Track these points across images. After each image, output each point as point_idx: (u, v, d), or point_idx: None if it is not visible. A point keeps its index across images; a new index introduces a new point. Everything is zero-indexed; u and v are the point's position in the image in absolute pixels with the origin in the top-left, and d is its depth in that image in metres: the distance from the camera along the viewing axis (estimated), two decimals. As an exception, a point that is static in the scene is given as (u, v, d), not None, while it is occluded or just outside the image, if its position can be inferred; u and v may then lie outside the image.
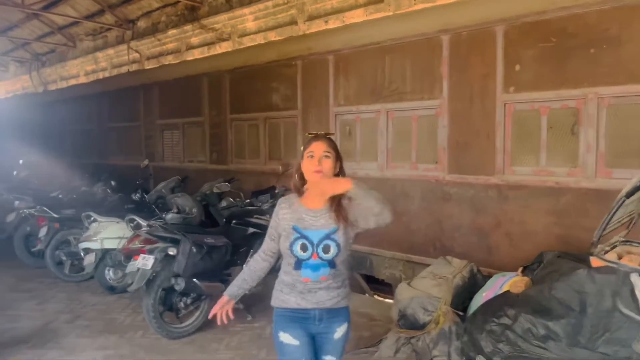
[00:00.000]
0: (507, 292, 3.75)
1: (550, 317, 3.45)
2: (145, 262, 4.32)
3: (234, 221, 5.02)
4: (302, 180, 2.35)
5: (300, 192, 2.38)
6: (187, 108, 8.56)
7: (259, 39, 7.58)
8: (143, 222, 5.14)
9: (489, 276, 4.31)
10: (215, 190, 5.59)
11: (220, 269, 4.56)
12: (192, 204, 4.75)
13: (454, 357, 3.72)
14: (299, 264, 2.29)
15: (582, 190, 4.27)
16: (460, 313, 3.92)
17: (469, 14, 4.88)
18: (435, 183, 5.26)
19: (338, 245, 2.27)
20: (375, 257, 5.96)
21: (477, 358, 3.55)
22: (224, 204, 6.16)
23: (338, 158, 2.33)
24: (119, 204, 7.12)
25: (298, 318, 2.35)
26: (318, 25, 6.76)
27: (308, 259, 2.27)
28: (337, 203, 2.31)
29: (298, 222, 2.31)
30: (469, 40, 4.92)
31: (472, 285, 4.24)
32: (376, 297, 6.61)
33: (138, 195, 7.33)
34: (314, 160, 2.25)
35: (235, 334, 4.65)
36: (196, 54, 8.96)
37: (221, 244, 4.48)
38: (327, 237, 2.27)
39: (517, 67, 4.59)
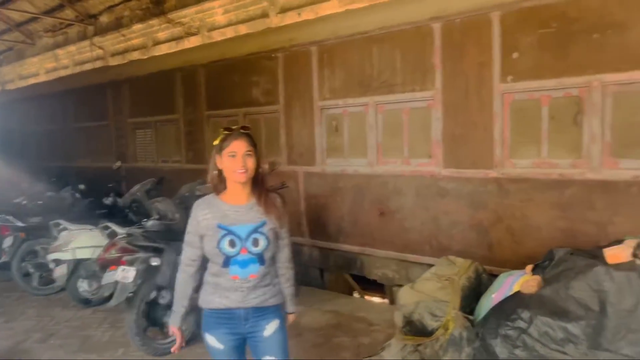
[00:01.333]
0: (519, 292, 3.54)
1: (568, 319, 3.26)
2: (126, 274, 3.94)
3: (219, 225, 4.66)
4: (220, 178, 2.29)
5: (218, 190, 2.30)
6: (160, 105, 8.11)
7: (230, 33, 7.16)
8: (120, 230, 4.75)
9: (495, 276, 4.11)
10: (197, 193, 5.21)
11: (207, 278, 4.21)
12: (174, 208, 4.37)
13: (465, 364, 3.49)
14: (227, 261, 2.22)
15: (588, 182, 4.10)
16: (470, 317, 3.70)
17: (462, 0, 4.64)
18: (430, 178, 5.03)
19: (267, 238, 2.25)
20: (366, 257, 5.71)
21: (491, 365, 3.33)
22: (204, 206, 5.78)
23: (257, 153, 2.28)
24: (89, 209, 6.67)
25: (224, 319, 2.30)
26: (291, 18, 6.38)
27: (237, 254, 2.21)
28: (265, 196, 2.29)
29: (222, 219, 2.23)
30: (462, 28, 4.69)
31: (477, 286, 4.03)
32: (367, 298, 6.38)
33: (110, 199, 6.89)
34: (237, 160, 2.20)
35: (226, 346, 4.32)
36: (164, 49, 8.47)
37: (208, 251, 4.12)
38: (255, 230, 2.24)
39: (515, 55, 4.38)
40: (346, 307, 5.25)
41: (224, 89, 7.00)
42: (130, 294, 3.97)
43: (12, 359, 4.18)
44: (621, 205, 3.96)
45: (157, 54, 8.47)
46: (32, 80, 12.02)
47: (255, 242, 2.23)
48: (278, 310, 2.40)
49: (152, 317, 4.12)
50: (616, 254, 3.37)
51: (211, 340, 2.33)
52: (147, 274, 4.00)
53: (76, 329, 4.78)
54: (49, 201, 7.03)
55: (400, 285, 4.89)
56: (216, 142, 2.26)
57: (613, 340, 3.10)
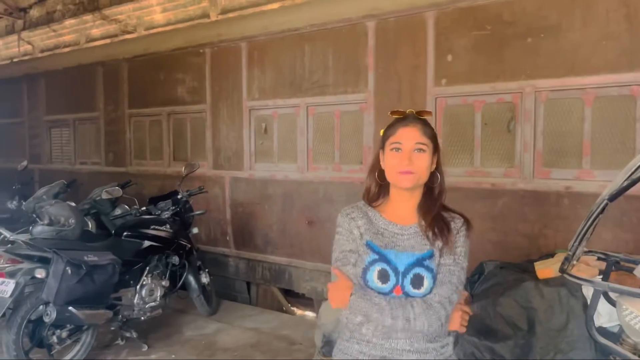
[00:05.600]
0: (446, 309, 3.27)
1: (495, 339, 3.01)
2: (4, 288, 3.38)
3: (125, 233, 4.17)
4: (382, 181, 1.67)
5: (374, 199, 1.68)
6: (80, 102, 7.46)
7: (168, 33, 6.68)
8: (10, 236, 4.16)
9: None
10: (105, 196, 4.68)
11: (106, 293, 3.71)
12: (68, 213, 3.83)
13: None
14: None
15: (519, 192, 3.91)
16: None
17: (396, -2, 4.41)
18: (360, 185, 4.72)
19: (434, 276, 1.56)
20: (294, 269, 5.34)
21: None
22: (118, 212, 5.23)
23: (436, 150, 1.64)
24: (-11, 214, 5.95)
25: None
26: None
27: (388, 292, 1.55)
28: (436, 217, 1.62)
29: (375, 237, 1.61)
30: (397, 28, 4.45)
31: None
32: (296, 311, 6.00)
33: (15, 203, 6.18)
34: (402, 155, 1.58)
35: (128, 370, 3.83)
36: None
37: (106, 262, 3.63)
38: (419, 263, 1.57)
39: (450, 58, 4.17)
40: (270, 324, 4.84)
41: (147, 87, 6.49)
42: (10, 310, 3.42)
43: None
44: (552, 218, 3.79)
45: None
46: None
47: (418, 282, 1.56)
48: None
49: (38, 336, 3.57)
50: (546, 269, 3.17)
51: None
52: (31, 287, 3.47)
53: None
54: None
55: (328, 300, 4.55)
56: (382, 132, 1.69)
57: (542, 362, 2.88)
